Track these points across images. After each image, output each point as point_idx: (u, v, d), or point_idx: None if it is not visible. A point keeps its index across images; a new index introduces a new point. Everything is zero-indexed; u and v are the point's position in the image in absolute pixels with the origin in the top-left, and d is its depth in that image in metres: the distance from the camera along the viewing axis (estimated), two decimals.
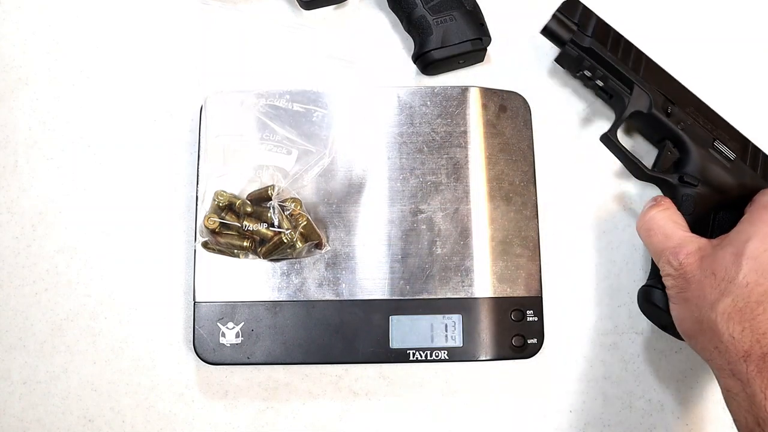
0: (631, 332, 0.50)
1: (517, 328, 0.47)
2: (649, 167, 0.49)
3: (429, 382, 0.49)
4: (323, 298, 0.47)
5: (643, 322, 0.50)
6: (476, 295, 0.47)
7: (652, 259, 0.47)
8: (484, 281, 0.47)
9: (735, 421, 0.38)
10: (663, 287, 0.44)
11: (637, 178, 0.51)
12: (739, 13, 0.56)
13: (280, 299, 0.47)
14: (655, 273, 0.46)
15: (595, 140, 0.51)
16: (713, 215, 0.48)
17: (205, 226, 0.46)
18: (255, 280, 0.47)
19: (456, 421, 0.49)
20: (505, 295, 0.47)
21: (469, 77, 0.54)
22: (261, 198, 0.47)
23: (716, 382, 0.41)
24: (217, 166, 0.48)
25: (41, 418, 0.48)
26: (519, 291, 0.48)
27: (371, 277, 0.47)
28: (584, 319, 0.50)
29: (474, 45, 0.50)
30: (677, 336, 0.44)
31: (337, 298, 0.47)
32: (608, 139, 0.49)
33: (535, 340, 0.47)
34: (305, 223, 0.46)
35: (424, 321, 0.47)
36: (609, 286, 0.51)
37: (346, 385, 0.49)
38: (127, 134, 0.52)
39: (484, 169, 0.49)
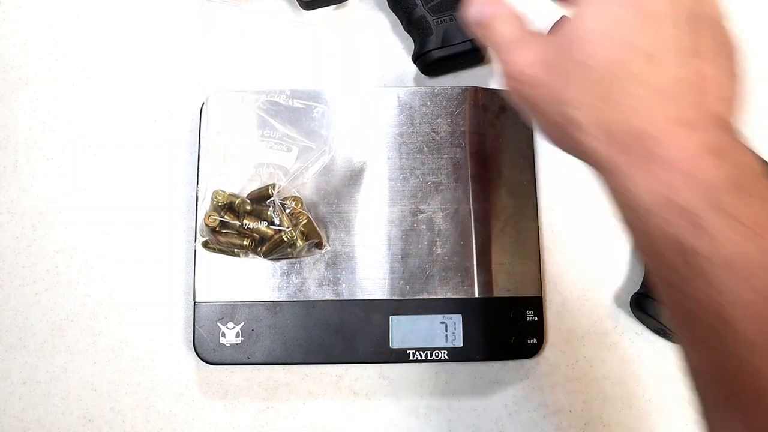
0: (631, 332, 0.50)
1: (517, 328, 0.47)
2: None
3: (429, 382, 0.49)
4: (323, 298, 0.47)
5: None
6: (476, 295, 0.47)
7: (645, 266, 0.47)
8: (484, 281, 0.47)
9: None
10: (653, 297, 0.44)
11: None
12: (738, 15, 0.56)
13: (280, 299, 0.47)
14: (646, 280, 0.47)
15: None
16: None
17: (206, 225, 0.46)
18: (255, 280, 0.47)
19: (456, 421, 0.49)
20: (505, 295, 0.47)
21: (470, 77, 0.54)
22: (261, 197, 0.47)
23: None
24: (218, 165, 0.48)
25: (41, 418, 0.48)
26: (519, 291, 0.48)
27: (371, 277, 0.47)
28: (584, 319, 0.50)
29: (474, 45, 0.50)
30: (671, 340, 0.44)
31: (337, 298, 0.47)
32: None
33: (535, 340, 0.47)
34: (305, 221, 0.46)
35: (424, 321, 0.47)
36: (609, 286, 0.51)
37: (346, 385, 0.49)
38: (127, 134, 0.52)
39: (485, 169, 0.49)
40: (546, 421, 0.49)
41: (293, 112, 0.49)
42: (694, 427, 0.50)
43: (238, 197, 0.47)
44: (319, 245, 0.47)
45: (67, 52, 0.54)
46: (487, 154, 0.49)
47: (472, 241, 0.48)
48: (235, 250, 0.46)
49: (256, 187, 0.47)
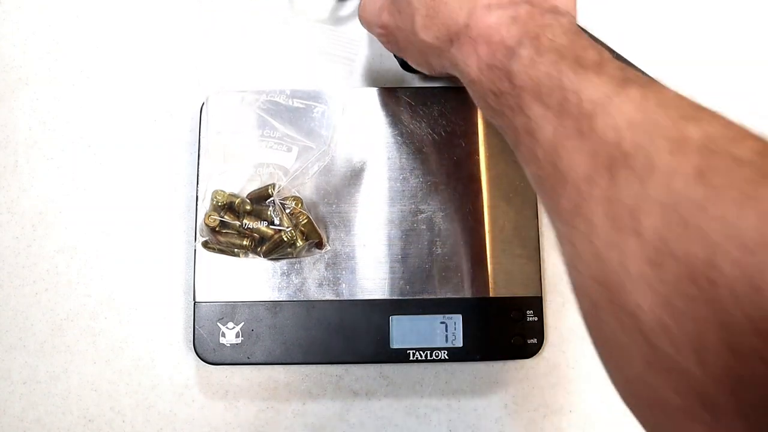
0: None
1: (517, 328, 0.47)
2: None
3: (429, 382, 0.49)
4: (323, 298, 0.47)
5: None
6: (476, 295, 0.47)
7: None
8: (484, 281, 0.47)
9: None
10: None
11: None
12: (732, 18, 0.56)
13: (280, 299, 0.47)
14: None
15: None
16: None
17: (206, 225, 0.46)
18: (255, 280, 0.47)
19: (456, 420, 0.49)
20: (505, 295, 0.47)
21: None
22: (261, 197, 0.47)
23: None
24: (218, 165, 0.48)
25: (41, 418, 0.48)
26: (519, 291, 0.48)
27: (371, 277, 0.47)
28: None
29: None
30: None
31: (337, 298, 0.47)
32: None
33: (535, 340, 0.47)
34: (305, 221, 0.46)
35: (424, 321, 0.47)
36: None
37: (346, 385, 0.49)
38: (127, 134, 0.52)
39: (484, 169, 0.49)
40: (546, 421, 0.49)
41: (293, 112, 0.49)
42: None
43: (237, 197, 0.47)
44: (319, 245, 0.47)
45: (67, 52, 0.54)
46: (487, 154, 0.49)
47: (472, 241, 0.48)
48: (235, 250, 0.46)
49: (256, 187, 0.47)
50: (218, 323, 0.46)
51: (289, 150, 0.47)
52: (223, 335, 0.46)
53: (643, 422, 0.28)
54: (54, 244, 0.50)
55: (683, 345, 0.23)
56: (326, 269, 0.48)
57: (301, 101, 0.47)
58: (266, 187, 0.46)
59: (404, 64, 0.50)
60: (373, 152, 0.49)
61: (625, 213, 0.25)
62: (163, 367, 0.49)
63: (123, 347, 0.49)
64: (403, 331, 0.47)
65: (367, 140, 0.49)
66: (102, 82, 0.53)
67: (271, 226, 0.46)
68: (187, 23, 0.54)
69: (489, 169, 0.49)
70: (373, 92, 0.50)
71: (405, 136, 0.49)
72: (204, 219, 0.46)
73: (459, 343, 0.47)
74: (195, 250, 0.47)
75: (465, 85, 0.37)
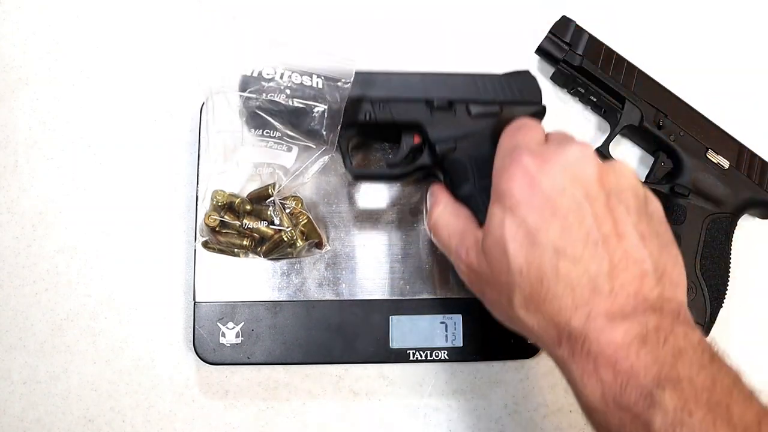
0: None
1: None
2: (645, 177, 0.51)
3: (429, 382, 0.49)
4: (323, 298, 0.47)
5: None
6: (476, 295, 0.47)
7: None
8: None
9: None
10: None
11: None
12: (731, 19, 0.56)
13: (280, 299, 0.47)
14: None
15: (594, 142, 0.51)
16: (704, 224, 0.49)
17: (206, 224, 0.46)
18: (255, 280, 0.47)
19: (456, 420, 0.49)
20: None
21: None
22: (261, 197, 0.47)
23: None
24: (218, 165, 0.48)
25: (41, 418, 0.48)
26: None
27: (371, 277, 0.47)
28: None
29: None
30: None
31: (337, 298, 0.47)
32: (601, 154, 0.51)
33: None
34: (305, 221, 0.46)
35: (424, 321, 0.47)
36: None
37: (346, 385, 0.49)
38: (127, 134, 0.52)
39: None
40: (546, 421, 0.49)
41: (293, 112, 0.48)
42: None
43: (237, 197, 0.47)
44: (319, 245, 0.47)
45: (67, 52, 0.54)
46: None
47: None
48: (235, 250, 0.46)
49: (256, 187, 0.47)
50: (218, 323, 0.46)
51: (290, 150, 0.47)
52: (223, 335, 0.46)
53: None
54: (54, 244, 0.50)
55: None
56: (326, 269, 0.48)
57: (301, 101, 0.47)
58: (266, 187, 0.46)
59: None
60: None
61: None
62: (163, 367, 0.49)
63: (123, 347, 0.49)
64: (403, 331, 0.47)
65: None
66: (102, 82, 0.53)
67: (271, 226, 0.46)
68: (187, 23, 0.54)
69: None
70: None
71: None
72: (204, 219, 0.46)
73: (459, 343, 0.47)
74: (195, 250, 0.47)
75: (576, 398, 0.33)
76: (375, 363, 0.48)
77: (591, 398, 0.30)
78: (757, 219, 0.53)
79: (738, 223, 0.50)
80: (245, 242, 0.46)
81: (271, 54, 0.46)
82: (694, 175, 0.49)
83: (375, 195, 0.48)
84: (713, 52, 0.56)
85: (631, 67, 0.51)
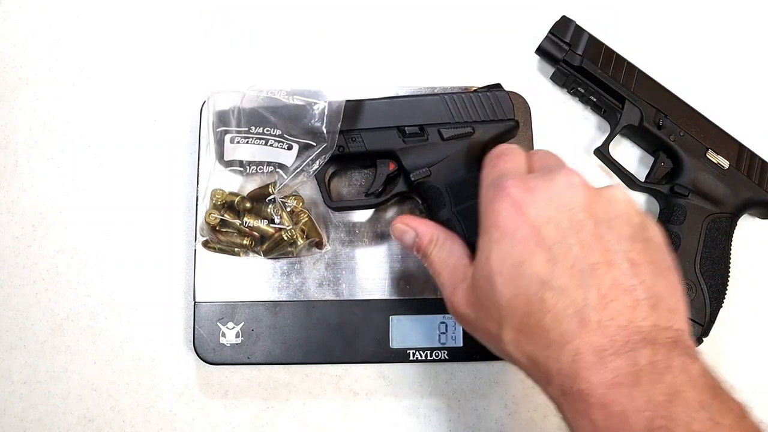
0: None
1: None
2: (645, 177, 0.50)
3: (429, 382, 0.49)
4: (323, 298, 0.47)
5: None
6: None
7: None
8: None
9: None
10: None
11: (630, 189, 0.51)
12: (731, 18, 0.57)
13: (280, 299, 0.47)
14: None
15: (594, 142, 0.51)
16: (704, 224, 0.49)
17: (207, 223, 0.46)
18: (255, 280, 0.47)
19: (456, 421, 0.49)
20: None
21: (470, 79, 0.54)
22: (262, 196, 0.47)
23: None
24: (218, 164, 0.48)
25: (41, 418, 0.48)
26: None
27: (371, 277, 0.47)
28: None
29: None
30: None
31: (337, 298, 0.47)
32: (601, 154, 0.50)
33: None
34: (306, 220, 0.46)
35: (424, 321, 0.47)
36: None
37: (346, 385, 0.49)
38: (127, 134, 0.52)
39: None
40: (546, 421, 0.49)
41: (293, 110, 0.48)
42: None
43: (237, 195, 0.47)
44: (319, 244, 0.47)
45: (67, 52, 0.54)
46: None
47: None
48: (236, 249, 0.46)
49: (257, 186, 0.47)
50: (218, 323, 0.46)
51: (290, 148, 0.47)
52: (223, 335, 0.46)
53: None
54: (54, 244, 0.50)
55: None
56: (326, 269, 0.47)
57: (302, 99, 0.47)
58: (267, 186, 0.46)
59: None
60: None
61: None
62: (163, 367, 0.49)
63: (123, 347, 0.49)
64: (403, 331, 0.47)
65: None
66: (102, 82, 0.53)
67: (272, 225, 0.46)
68: (187, 23, 0.54)
69: None
70: (373, 91, 0.50)
71: None
72: (205, 217, 0.46)
73: (459, 343, 0.47)
74: (195, 249, 0.47)
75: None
76: (375, 363, 0.48)
77: None
78: (757, 219, 0.53)
79: (738, 223, 0.50)
80: (245, 241, 0.46)
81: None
82: (694, 175, 0.49)
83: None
84: (713, 52, 0.56)
85: (631, 67, 0.51)
